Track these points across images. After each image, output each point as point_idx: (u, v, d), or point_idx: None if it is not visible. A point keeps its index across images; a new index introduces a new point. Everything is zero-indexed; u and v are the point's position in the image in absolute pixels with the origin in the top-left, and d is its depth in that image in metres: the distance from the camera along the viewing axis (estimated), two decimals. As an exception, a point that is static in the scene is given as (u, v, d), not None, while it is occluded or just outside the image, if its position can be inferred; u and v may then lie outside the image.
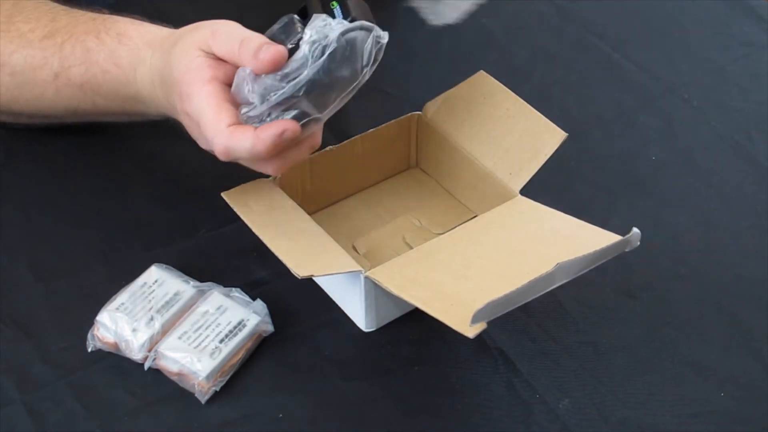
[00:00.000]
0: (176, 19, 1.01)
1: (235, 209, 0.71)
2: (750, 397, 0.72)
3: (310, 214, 0.78)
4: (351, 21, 0.68)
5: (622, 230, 0.83)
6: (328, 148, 0.78)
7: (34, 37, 0.81)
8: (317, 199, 0.81)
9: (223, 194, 0.72)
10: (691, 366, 0.74)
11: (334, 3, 0.72)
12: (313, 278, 0.76)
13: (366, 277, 0.70)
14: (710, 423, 0.70)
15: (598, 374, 0.73)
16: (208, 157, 0.80)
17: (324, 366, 0.73)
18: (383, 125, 0.81)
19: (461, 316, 0.61)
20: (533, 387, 0.72)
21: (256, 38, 0.69)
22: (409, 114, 0.82)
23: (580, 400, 0.71)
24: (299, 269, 0.66)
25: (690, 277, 0.80)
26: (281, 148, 0.68)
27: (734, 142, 0.91)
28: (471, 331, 0.60)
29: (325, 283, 0.77)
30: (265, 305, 0.74)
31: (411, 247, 0.78)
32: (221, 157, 0.69)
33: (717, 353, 0.75)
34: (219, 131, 0.68)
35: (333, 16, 0.69)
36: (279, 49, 0.67)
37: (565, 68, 0.98)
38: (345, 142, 0.79)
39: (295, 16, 0.70)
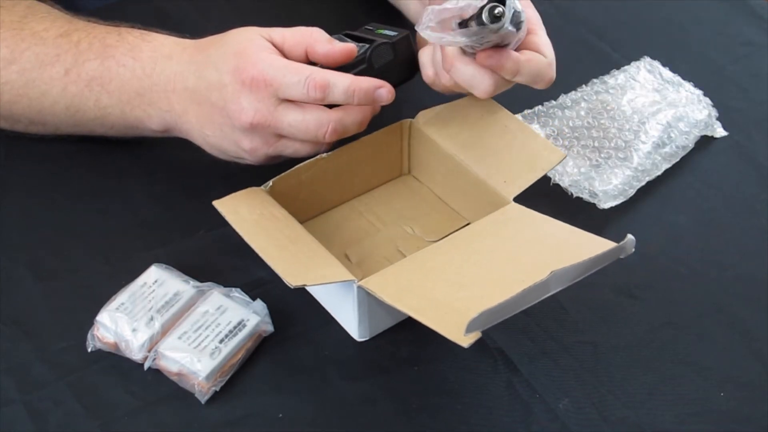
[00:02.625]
0: (176, 20, 1.02)
1: (227, 217, 0.71)
2: (750, 397, 0.72)
3: (302, 222, 0.77)
4: (400, 32, 0.81)
5: (622, 230, 0.83)
6: (319, 156, 0.77)
7: (49, 36, 0.81)
8: (309, 207, 0.80)
9: (214, 203, 0.72)
10: (691, 366, 0.74)
11: (380, 30, 0.82)
12: (306, 288, 0.76)
13: (359, 287, 0.69)
14: (710, 423, 0.71)
15: (598, 374, 0.73)
16: (209, 156, 0.81)
17: (324, 366, 0.73)
18: (374, 132, 0.80)
19: (456, 325, 0.61)
20: (533, 387, 0.72)
21: (324, 32, 0.78)
22: (401, 120, 0.81)
23: (579, 399, 0.71)
24: (291, 279, 0.65)
25: (690, 277, 0.80)
26: (370, 100, 0.76)
27: (734, 142, 0.91)
28: (466, 341, 0.60)
29: (317, 293, 0.76)
30: (265, 305, 0.74)
31: (404, 256, 0.77)
32: (315, 90, 0.74)
33: (717, 353, 0.75)
34: (317, 69, 0.75)
35: (386, 35, 0.81)
36: (352, 46, 0.77)
37: (565, 68, 0.98)
38: (336, 150, 0.78)
39: (343, 36, 0.81)
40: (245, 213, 0.72)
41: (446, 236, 0.77)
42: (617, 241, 0.82)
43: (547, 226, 0.73)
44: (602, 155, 0.86)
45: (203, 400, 0.70)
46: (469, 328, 0.59)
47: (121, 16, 1.00)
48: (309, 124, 0.75)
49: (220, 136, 0.78)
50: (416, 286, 0.68)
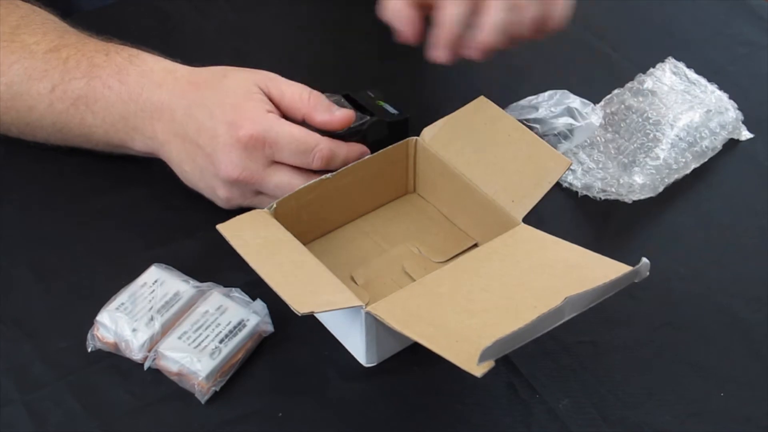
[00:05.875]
0: (176, 19, 1.02)
1: (231, 243, 0.69)
2: (750, 397, 0.72)
3: (306, 243, 0.76)
4: (400, 114, 0.83)
5: (621, 231, 0.83)
6: (323, 176, 0.76)
7: (39, 50, 0.81)
8: (314, 228, 0.79)
9: (218, 227, 0.71)
10: (691, 366, 0.74)
11: (380, 102, 0.84)
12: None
13: (367, 313, 0.68)
14: (710, 423, 0.71)
15: (598, 374, 0.73)
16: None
17: (324, 366, 0.73)
18: (380, 151, 0.79)
19: (467, 354, 0.59)
20: (533, 387, 0.72)
21: (322, 95, 0.78)
22: (406, 139, 0.80)
23: (580, 400, 0.71)
24: (299, 306, 0.64)
25: (690, 277, 0.80)
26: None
27: (734, 142, 0.91)
28: (479, 370, 0.59)
29: (323, 317, 0.75)
30: (265, 305, 0.74)
31: (410, 277, 0.76)
32: (320, 162, 0.76)
33: (717, 353, 0.75)
34: (323, 139, 0.76)
35: (386, 111, 0.83)
36: (350, 112, 0.78)
37: (565, 68, 0.98)
38: (341, 170, 0.77)
39: (343, 99, 0.81)
40: (249, 237, 0.71)
41: (453, 257, 0.76)
42: (617, 241, 0.82)
43: (558, 248, 0.71)
44: (629, 153, 0.86)
45: (203, 400, 0.70)
46: (482, 358, 0.58)
47: (120, 16, 1.00)
48: (294, 186, 0.76)
49: (198, 177, 0.78)
50: (425, 312, 0.67)
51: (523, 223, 0.74)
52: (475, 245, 0.79)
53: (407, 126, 0.83)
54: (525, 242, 0.73)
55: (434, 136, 0.79)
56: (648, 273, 0.65)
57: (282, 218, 0.74)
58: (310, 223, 0.78)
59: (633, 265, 0.65)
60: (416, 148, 0.81)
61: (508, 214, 0.75)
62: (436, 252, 0.79)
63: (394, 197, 0.83)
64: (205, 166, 0.77)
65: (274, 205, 0.74)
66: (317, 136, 0.76)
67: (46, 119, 0.81)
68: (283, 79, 0.78)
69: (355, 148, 0.79)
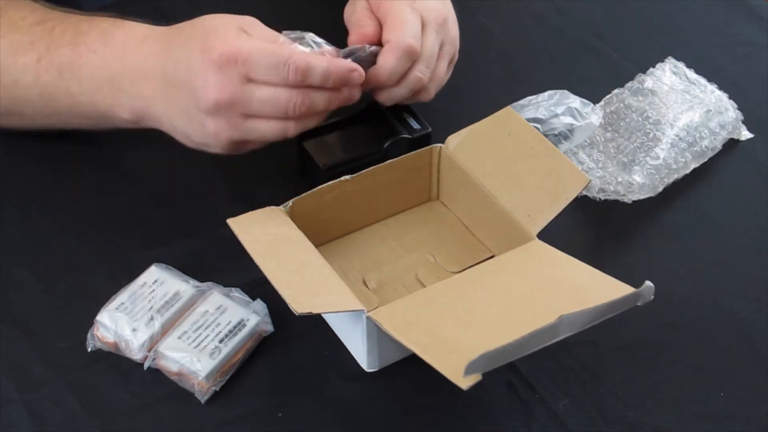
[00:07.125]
0: (176, 20, 1.01)
1: (239, 237, 0.69)
2: (750, 397, 0.72)
3: (323, 243, 0.76)
4: (423, 128, 0.83)
5: (621, 231, 0.83)
6: (343, 178, 0.76)
7: (25, 24, 0.81)
8: (330, 229, 0.78)
9: (228, 221, 0.70)
10: (691, 366, 0.74)
11: (405, 115, 0.84)
12: (321, 314, 0.75)
13: (368, 318, 0.67)
14: (710, 423, 0.71)
15: (598, 374, 0.73)
16: (209, 156, 0.81)
17: (324, 366, 0.73)
18: (402, 156, 0.78)
19: (457, 366, 0.59)
20: (533, 387, 0.72)
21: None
22: (431, 146, 0.80)
23: (579, 399, 0.71)
24: (297, 305, 0.63)
25: (690, 277, 0.80)
26: (343, 83, 0.75)
27: (734, 142, 0.91)
28: (465, 383, 0.58)
29: (330, 319, 0.75)
30: (265, 305, 0.74)
31: (423, 285, 0.76)
32: (295, 74, 0.72)
33: (717, 353, 0.75)
34: (296, 51, 0.73)
35: (408, 125, 0.83)
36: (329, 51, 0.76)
37: (565, 68, 0.98)
38: (361, 172, 0.77)
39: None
40: (259, 233, 0.70)
41: (467, 268, 0.75)
42: (617, 241, 0.82)
43: (567, 267, 0.71)
44: (628, 152, 0.86)
45: (203, 399, 0.70)
46: (468, 371, 0.58)
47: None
48: (280, 97, 0.73)
49: (186, 120, 0.76)
50: (425, 322, 0.67)
51: (537, 239, 0.74)
52: (492, 257, 0.78)
53: (429, 140, 0.83)
54: (535, 258, 0.72)
55: (458, 145, 0.79)
56: (652, 297, 0.64)
57: (299, 217, 0.74)
58: (327, 223, 0.77)
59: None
60: (440, 156, 0.80)
61: (524, 228, 0.74)
62: (451, 261, 0.78)
63: (418, 203, 0.83)
64: (188, 102, 0.75)
65: (291, 203, 0.74)
66: (290, 48, 0.74)
67: (33, 91, 0.80)
68: (259, 28, 0.76)
69: (342, 63, 0.75)
